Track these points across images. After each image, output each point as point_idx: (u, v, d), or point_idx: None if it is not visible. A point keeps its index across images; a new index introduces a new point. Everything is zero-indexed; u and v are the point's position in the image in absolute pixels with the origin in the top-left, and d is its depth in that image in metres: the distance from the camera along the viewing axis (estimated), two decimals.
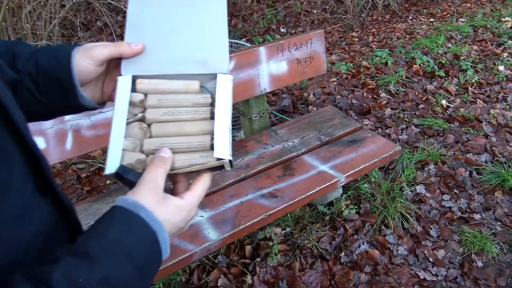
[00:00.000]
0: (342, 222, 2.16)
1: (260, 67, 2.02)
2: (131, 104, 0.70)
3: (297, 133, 2.13)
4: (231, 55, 1.92)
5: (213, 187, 1.78)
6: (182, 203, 0.63)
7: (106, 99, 0.76)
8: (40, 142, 1.55)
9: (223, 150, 0.66)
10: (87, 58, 0.68)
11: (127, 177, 0.64)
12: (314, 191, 1.77)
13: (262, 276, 1.91)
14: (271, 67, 2.05)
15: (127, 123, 0.69)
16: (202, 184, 0.66)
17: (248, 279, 1.89)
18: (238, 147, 2.02)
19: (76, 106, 0.72)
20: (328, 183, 1.81)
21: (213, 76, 0.74)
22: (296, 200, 1.73)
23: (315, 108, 3.18)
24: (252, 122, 2.17)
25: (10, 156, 0.53)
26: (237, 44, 2.74)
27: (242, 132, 2.61)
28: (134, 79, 0.72)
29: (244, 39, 4.52)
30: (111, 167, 0.65)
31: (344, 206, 2.19)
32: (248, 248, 1.98)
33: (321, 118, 2.24)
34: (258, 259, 1.96)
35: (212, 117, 0.72)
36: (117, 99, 0.69)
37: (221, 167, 0.68)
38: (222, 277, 1.88)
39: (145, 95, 0.72)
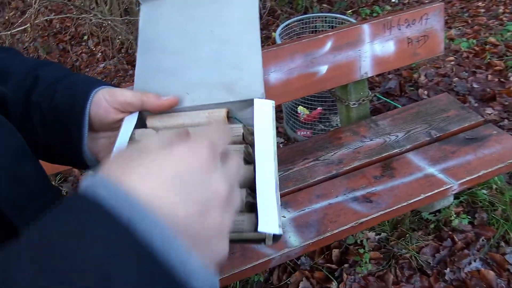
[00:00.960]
0: (450, 232, 1.84)
1: (362, 47, 1.74)
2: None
3: (402, 125, 1.83)
4: (329, 33, 1.68)
5: (299, 183, 1.60)
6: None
7: None
8: None
9: (270, 219, 0.45)
10: (109, 97, 0.55)
11: None
12: (417, 198, 1.49)
13: (349, 285, 1.71)
14: (375, 48, 1.76)
15: None
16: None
17: (333, 286, 1.70)
18: (331, 138, 1.80)
19: (81, 163, 0.58)
20: (436, 191, 1.51)
21: (244, 105, 0.55)
22: (394, 208, 1.47)
23: (425, 92, 2.78)
24: (349, 109, 1.93)
25: None
26: (337, 18, 2.46)
27: (338, 118, 2.37)
28: (145, 116, 0.57)
29: (350, 11, 4.15)
30: None
31: (454, 214, 1.86)
32: (335, 252, 1.78)
33: (433, 109, 1.90)
34: (346, 265, 1.76)
35: (247, 160, 0.52)
36: (118, 141, 0.54)
37: (261, 240, 0.47)
38: (304, 280, 1.72)
39: (157, 131, 0.56)
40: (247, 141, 0.54)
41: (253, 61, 0.56)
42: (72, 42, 4.01)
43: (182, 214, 0.28)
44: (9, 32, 3.01)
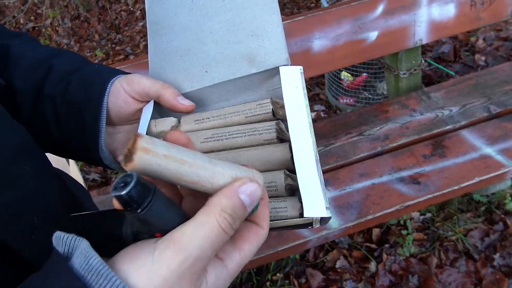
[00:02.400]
0: (503, 216, 1.71)
1: (418, 11, 1.57)
2: (159, 135, 0.50)
3: (457, 98, 1.67)
4: None
5: (341, 160, 1.51)
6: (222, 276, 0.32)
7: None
8: None
9: (317, 203, 0.41)
10: (127, 85, 0.50)
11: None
12: (471, 182, 1.37)
13: (389, 266, 1.64)
14: (432, 12, 1.58)
15: None
16: (255, 241, 0.34)
17: (372, 266, 1.64)
18: (377, 111, 1.67)
19: (95, 160, 0.53)
20: (493, 174, 1.38)
21: (269, 74, 0.51)
22: (444, 191, 1.36)
23: (483, 58, 2.54)
24: (399, 79, 1.77)
25: None
26: None
27: (385, 83, 2.21)
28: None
29: None
30: None
31: (509, 197, 1.72)
32: (375, 232, 1.70)
33: (494, 80, 1.71)
34: (386, 246, 1.68)
35: (280, 137, 0.47)
36: (138, 131, 0.48)
37: (308, 224, 0.43)
38: (342, 258, 1.66)
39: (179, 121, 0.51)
40: (278, 116, 0.50)
41: (272, 25, 0.51)
42: None
43: None
44: None
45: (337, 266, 1.65)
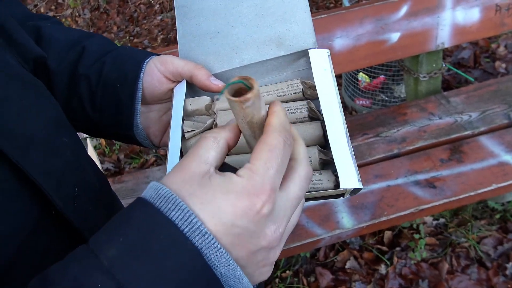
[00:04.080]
0: None
1: (442, 14, 1.55)
2: (193, 113, 0.52)
3: (476, 104, 1.65)
4: None
5: (356, 160, 1.50)
6: (241, 183, 0.32)
7: (161, 143, 0.58)
8: None
9: (350, 175, 0.44)
10: (161, 65, 0.52)
11: None
12: (488, 189, 1.35)
13: (399, 269, 1.62)
14: (457, 15, 1.57)
15: (187, 139, 0.50)
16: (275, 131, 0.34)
17: (382, 268, 1.63)
18: (395, 113, 1.66)
19: (128, 137, 0.54)
20: (511, 181, 1.36)
21: (295, 57, 0.53)
22: (460, 197, 1.35)
23: (504, 65, 2.51)
24: (418, 82, 1.76)
25: None
26: None
27: (402, 87, 2.19)
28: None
29: None
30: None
31: None
32: (387, 234, 1.69)
33: None
34: (397, 249, 1.67)
35: (311, 116, 0.50)
36: (173, 112, 0.50)
37: (340, 195, 0.47)
38: (352, 259, 1.65)
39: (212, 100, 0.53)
40: (307, 95, 0.53)
41: (300, 9, 0.53)
42: None
43: (235, 254, 0.32)
44: None
45: (347, 266, 1.64)
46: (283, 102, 0.52)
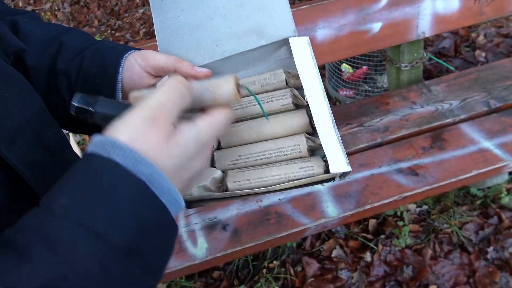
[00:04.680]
0: (498, 210, 1.73)
1: (422, 4, 1.57)
2: None
3: (457, 92, 1.68)
4: None
5: None
6: (194, 132, 0.39)
7: None
8: None
9: (339, 159, 0.46)
10: (142, 61, 0.52)
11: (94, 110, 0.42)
12: (469, 175, 1.38)
13: (384, 256, 1.65)
14: (437, 5, 1.59)
15: None
16: (223, 112, 0.42)
17: (368, 256, 1.65)
18: (378, 102, 1.68)
19: None
20: (491, 167, 1.39)
21: (276, 46, 0.54)
22: (442, 183, 1.37)
23: (483, 54, 2.55)
24: (400, 72, 1.78)
25: None
26: None
27: (385, 77, 2.21)
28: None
29: None
30: None
31: (505, 191, 1.74)
32: (372, 222, 1.72)
33: (494, 75, 1.72)
34: (382, 236, 1.69)
35: (295, 103, 0.52)
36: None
37: (331, 179, 0.49)
38: (338, 248, 1.68)
39: None
40: (290, 84, 0.54)
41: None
42: None
43: (182, 177, 0.39)
44: None
45: (333, 255, 1.66)
46: (267, 91, 0.52)
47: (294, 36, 0.52)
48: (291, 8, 1.51)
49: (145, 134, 0.35)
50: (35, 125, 0.44)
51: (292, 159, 0.49)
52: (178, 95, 0.38)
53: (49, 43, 0.55)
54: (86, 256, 0.30)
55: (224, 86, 0.42)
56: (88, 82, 0.53)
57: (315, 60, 0.50)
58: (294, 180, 0.48)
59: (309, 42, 0.51)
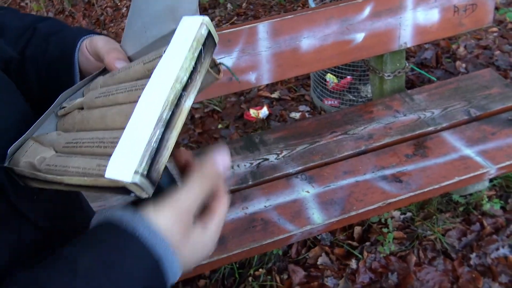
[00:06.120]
0: (480, 216, 1.76)
1: (404, 15, 1.61)
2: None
3: (438, 101, 1.71)
4: None
5: (325, 157, 1.53)
6: (205, 233, 0.44)
7: None
8: None
9: (125, 164, 0.35)
10: (89, 44, 0.54)
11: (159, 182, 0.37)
12: (451, 182, 1.41)
13: (370, 263, 1.67)
14: (417, 16, 1.63)
15: (62, 116, 0.48)
16: (224, 206, 0.46)
17: (353, 263, 1.66)
18: (362, 111, 1.70)
19: None
20: (472, 174, 1.42)
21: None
22: (425, 190, 1.39)
23: (463, 65, 2.62)
24: (383, 81, 1.81)
25: None
26: None
27: (369, 87, 2.25)
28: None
29: None
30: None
31: (486, 198, 1.77)
32: (357, 229, 1.73)
33: (474, 85, 1.77)
34: (367, 243, 1.71)
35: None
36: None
37: (128, 191, 0.36)
38: (324, 255, 1.68)
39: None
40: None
41: None
42: None
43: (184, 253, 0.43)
44: None
45: (318, 262, 1.67)
46: (149, 70, 0.45)
47: (191, 16, 0.43)
48: (277, 17, 1.52)
49: (171, 227, 0.40)
50: (22, 127, 0.44)
51: (105, 154, 0.38)
52: (205, 194, 0.43)
53: (23, 31, 0.57)
54: None
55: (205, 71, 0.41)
56: (52, 66, 0.54)
57: (195, 42, 0.40)
58: (87, 175, 0.38)
59: (207, 24, 0.42)
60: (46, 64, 0.55)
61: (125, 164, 0.34)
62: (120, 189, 0.36)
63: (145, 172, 0.35)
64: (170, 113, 0.37)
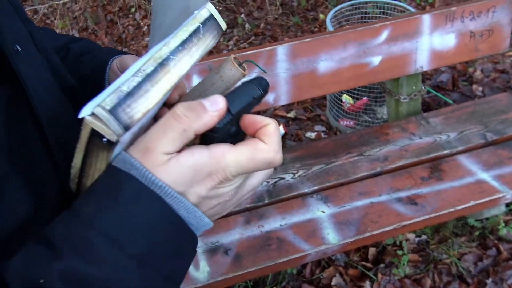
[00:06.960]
0: (496, 241, 1.75)
1: (420, 39, 1.64)
2: None
3: (454, 125, 1.72)
4: (386, 23, 1.59)
5: (341, 178, 1.55)
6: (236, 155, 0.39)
7: None
8: None
9: (93, 102, 0.35)
10: (119, 63, 0.59)
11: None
12: (466, 205, 1.41)
13: (384, 285, 1.66)
14: (434, 41, 1.65)
15: None
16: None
17: (367, 285, 1.66)
18: (377, 133, 1.72)
19: None
20: (488, 198, 1.42)
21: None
22: (440, 213, 1.40)
23: (480, 88, 2.62)
24: (399, 104, 1.83)
25: None
26: (389, 4, 2.32)
27: (385, 108, 2.27)
28: None
29: None
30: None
31: (503, 223, 1.76)
32: (371, 251, 1.73)
33: (491, 109, 1.78)
34: (381, 265, 1.70)
35: None
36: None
37: (100, 135, 0.36)
38: (338, 276, 1.68)
39: None
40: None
41: None
42: (120, 14, 4.03)
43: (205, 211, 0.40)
44: (61, 2, 3.06)
45: (332, 283, 1.66)
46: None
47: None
48: (295, 40, 1.56)
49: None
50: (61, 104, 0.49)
51: None
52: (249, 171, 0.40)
53: (58, 50, 0.62)
54: (106, 261, 0.35)
55: (227, 69, 0.43)
56: (83, 84, 0.59)
57: (193, 23, 0.42)
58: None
59: (209, 7, 0.43)
60: (77, 81, 0.60)
61: (93, 103, 0.35)
62: (98, 136, 0.36)
63: (108, 108, 0.34)
64: (153, 68, 0.38)
